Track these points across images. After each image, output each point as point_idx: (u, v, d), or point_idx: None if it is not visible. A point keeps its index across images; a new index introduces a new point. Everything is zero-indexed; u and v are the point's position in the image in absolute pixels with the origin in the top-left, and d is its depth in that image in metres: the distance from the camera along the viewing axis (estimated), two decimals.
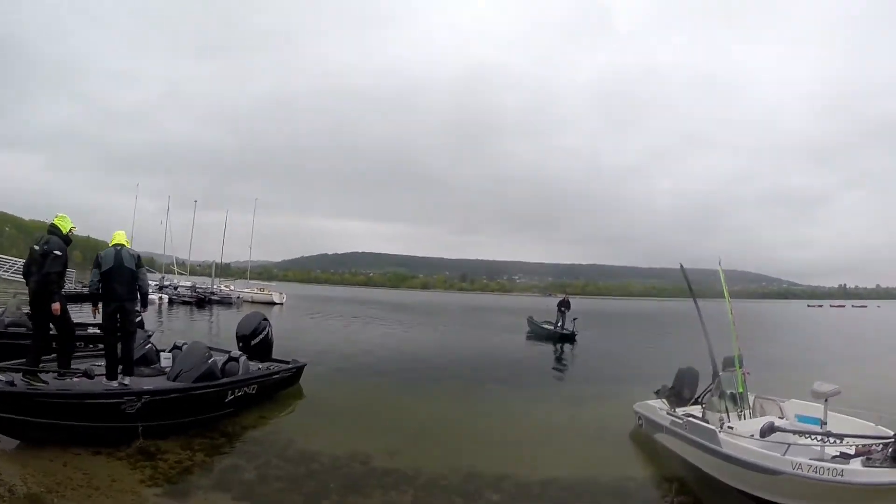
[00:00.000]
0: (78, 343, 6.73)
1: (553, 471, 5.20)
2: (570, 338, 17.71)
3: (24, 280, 5.96)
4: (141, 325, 10.65)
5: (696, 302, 6.58)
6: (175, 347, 7.14)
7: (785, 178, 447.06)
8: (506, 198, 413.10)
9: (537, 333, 19.63)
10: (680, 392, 6.65)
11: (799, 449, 4.41)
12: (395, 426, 6.68)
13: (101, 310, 5.90)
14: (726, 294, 6.72)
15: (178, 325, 18.88)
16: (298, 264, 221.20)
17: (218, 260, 43.48)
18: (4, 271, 28.79)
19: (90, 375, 5.34)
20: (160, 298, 27.20)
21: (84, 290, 17.31)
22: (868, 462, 3.96)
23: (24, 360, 5.46)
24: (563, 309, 18.95)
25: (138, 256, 6.01)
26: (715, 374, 5.92)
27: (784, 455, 4.20)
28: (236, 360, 6.94)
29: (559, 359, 15.11)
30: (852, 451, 4.37)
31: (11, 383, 4.70)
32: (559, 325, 18.77)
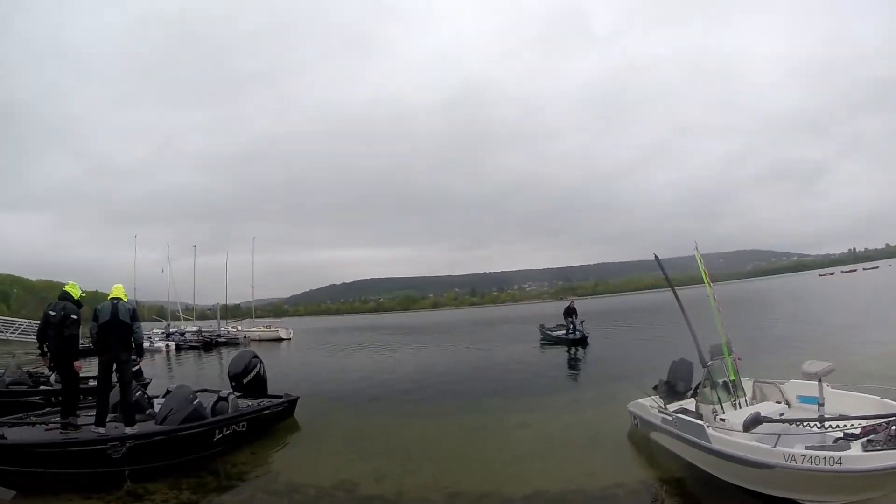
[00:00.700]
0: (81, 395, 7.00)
1: (540, 485, 5.09)
2: (581, 341, 17.95)
3: (36, 341, 6.51)
4: (139, 374, 10.91)
5: (674, 291, 6.47)
6: (168, 393, 7.29)
7: (782, 154, 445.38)
8: (508, 209, 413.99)
9: (550, 340, 19.86)
10: (674, 386, 6.47)
11: (795, 436, 4.12)
12: (385, 451, 6.67)
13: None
14: (705, 279, 6.47)
15: (185, 370, 19.06)
16: (308, 298, 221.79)
17: (224, 302, 43.78)
18: (12, 332, 29.31)
19: (75, 425, 5.52)
20: (167, 346, 27.45)
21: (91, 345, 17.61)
22: (870, 445, 3.63)
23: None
24: (570, 317, 19.20)
25: (134, 310, 6.23)
26: (703, 364, 5.64)
27: (776, 446, 3.91)
28: (225, 399, 7.06)
29: (567, 364, 15.06)
30: (858, 431, 3.99)
31: (2, 436, 4.89)
32: (570, 329, 19.01)
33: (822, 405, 4.58)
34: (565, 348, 17.81)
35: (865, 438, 3.74)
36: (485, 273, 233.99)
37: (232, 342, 31.00)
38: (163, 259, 41.02)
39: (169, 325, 36.43)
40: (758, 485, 4.15)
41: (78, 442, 5.14)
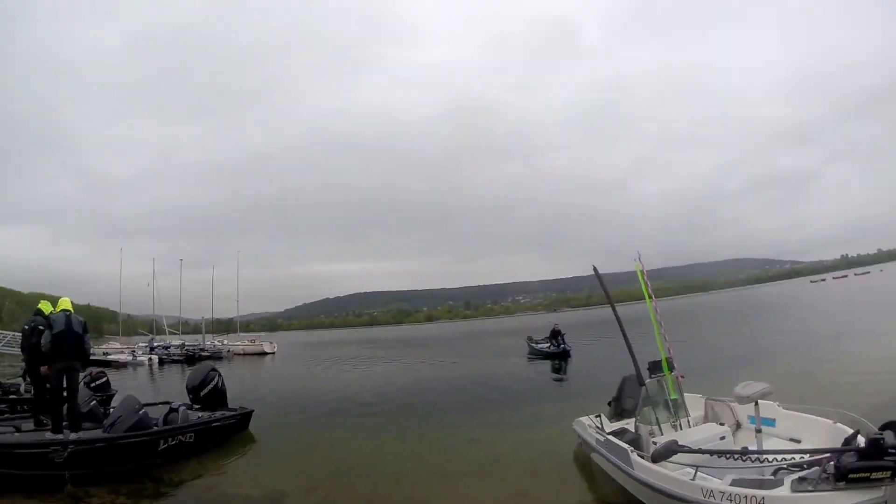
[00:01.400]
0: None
1: None
2: (564, 355, 19.07)
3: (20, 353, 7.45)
4: (107, 386, 11.17)
5: (613, 307, 6.46)
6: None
7: (772, 163, 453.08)
8: (501, 222, 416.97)
9: (537, 353, 20.74)
10: (622, 403, 6.24)
11: (728, 467, 3.83)
12: (326, 464, 6.77)
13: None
14: (645, 292, 6.20)
15: (164, 383, 19.23)
16: (302, 312, 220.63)
17: (210, 316, 43.81)
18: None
19: (18, 428, 5.82)
20: (150, 360, 27.52)
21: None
22: (800, 484, 3.17)
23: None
24: (555, 339, 20.23)
25: (84, 322, 6.58)
26: (640, 382, 5.41)
27: (693, 479, 3.67)
28: (176, 410, 7.35)
29: (542, 377, 15.32)
30: (805, 458, 3.57)
31: None
32: (554, 344, 20.08)
33: (759, 431, 4.32)
34: (550, 361, 18.53)
35: (798, 476, 3.32)
36: (479, 286, 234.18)
37: (215, 356, 31.06)
38: (156, 272, 41.37)
39: (153, 338, 36.43)
40: None
41: (20, 444, 5.43)
